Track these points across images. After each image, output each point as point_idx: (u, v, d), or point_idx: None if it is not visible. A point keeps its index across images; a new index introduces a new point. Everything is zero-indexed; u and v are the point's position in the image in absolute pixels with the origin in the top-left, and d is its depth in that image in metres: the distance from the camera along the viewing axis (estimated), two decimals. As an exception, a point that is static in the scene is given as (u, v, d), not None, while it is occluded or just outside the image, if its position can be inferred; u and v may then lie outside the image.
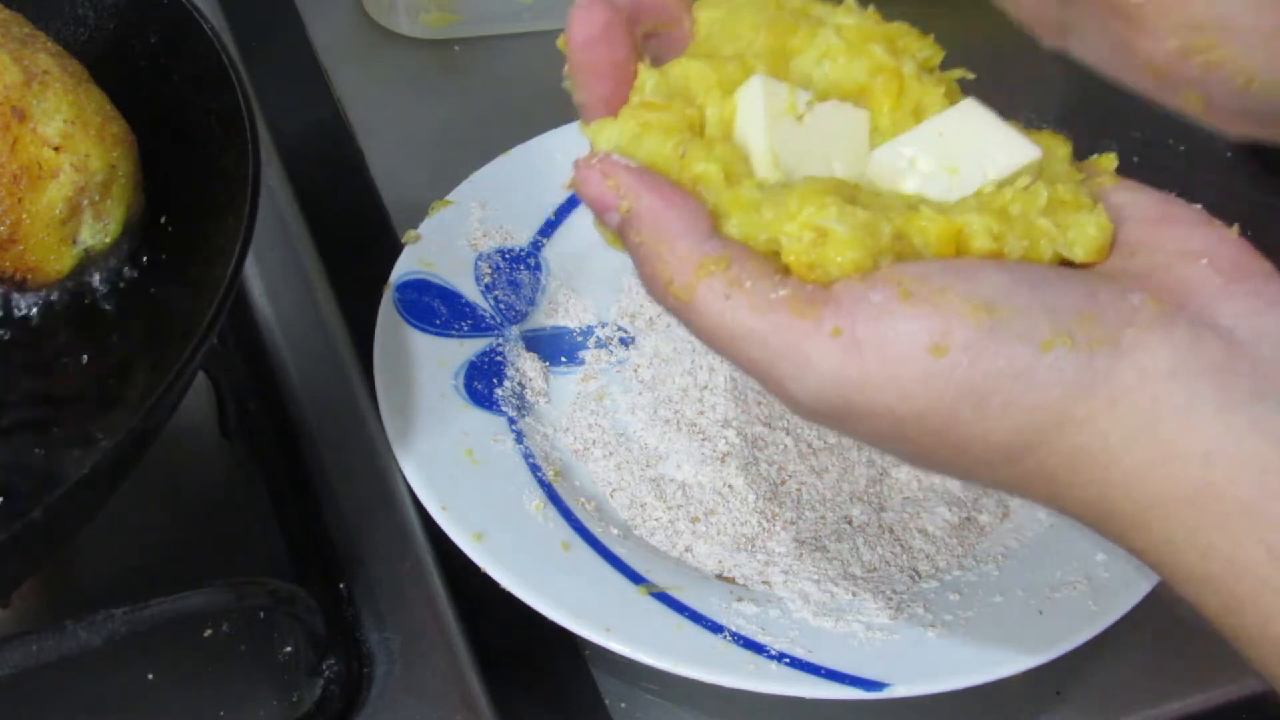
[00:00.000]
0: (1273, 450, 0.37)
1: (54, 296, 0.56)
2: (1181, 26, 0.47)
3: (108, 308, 0.57)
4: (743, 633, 0.54)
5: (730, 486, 0.61)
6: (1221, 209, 0.43)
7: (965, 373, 0.38)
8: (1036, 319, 0.39)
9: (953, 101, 0.44)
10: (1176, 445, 0.38)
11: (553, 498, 0.59)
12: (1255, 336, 0.39)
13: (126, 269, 0.57)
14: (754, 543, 0.59)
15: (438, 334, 0.63)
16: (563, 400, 0.64)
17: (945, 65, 0.46)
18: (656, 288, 0.41)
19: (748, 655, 0.53)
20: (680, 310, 0.41)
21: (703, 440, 0.62)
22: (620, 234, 0.42)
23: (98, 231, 0.56)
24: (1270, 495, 0.37)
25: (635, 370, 0.65)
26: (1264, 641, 0.38)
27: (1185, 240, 0.41)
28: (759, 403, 0.63)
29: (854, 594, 0.57)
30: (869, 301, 0.39)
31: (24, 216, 0.54)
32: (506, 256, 0.68)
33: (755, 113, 0.42)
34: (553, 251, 0.69)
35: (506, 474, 0.59)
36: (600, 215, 0.42)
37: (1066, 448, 0.39)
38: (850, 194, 0.41)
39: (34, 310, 0.56)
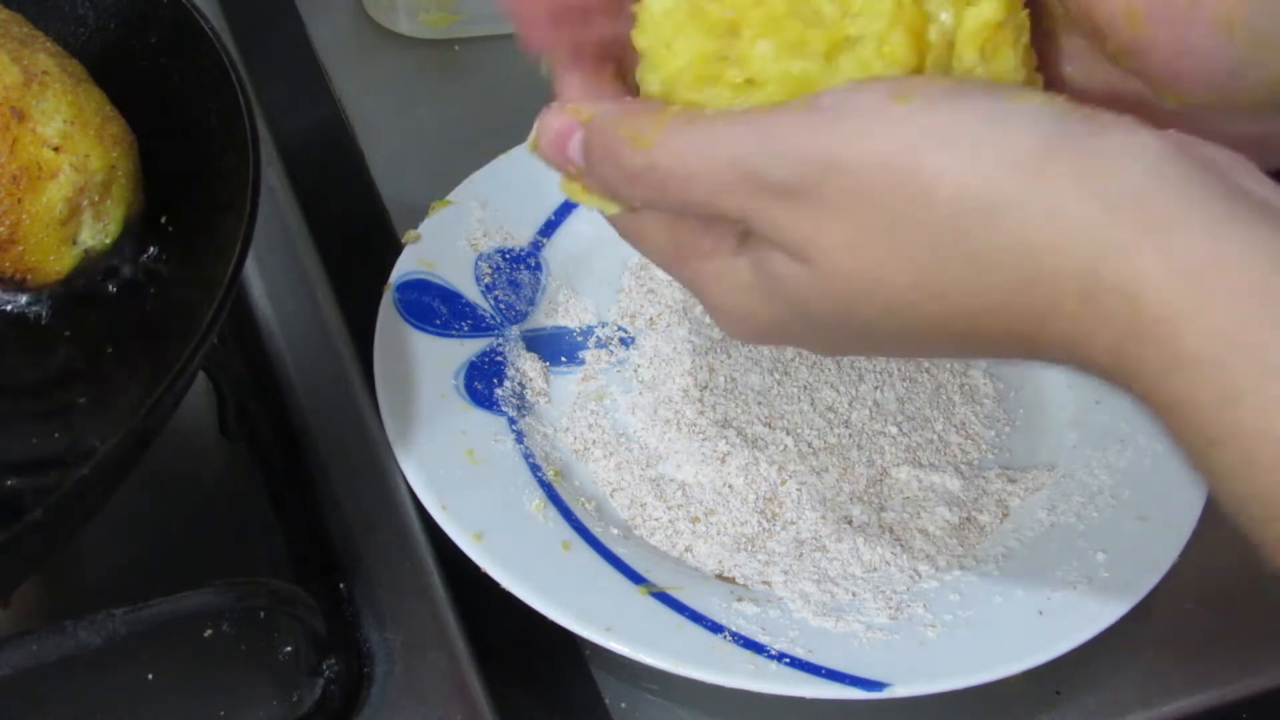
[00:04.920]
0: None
1: (54, 297, 0.56)
2: None
3: (107, 308, 0.57)
4: (743, 633, 0.54)
5: (730, 486, 0.61)
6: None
7: (931, 116, 0.36)
8: (1004, 88, 0.38)
9: None
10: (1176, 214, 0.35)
11: (553, 498, 0.59)
12: (1228, 163, 0.37)
13: (126, 269, 0.57)
14: (754, 543, 0.59)
15: (438, 334, 0.63)
16: (563, 400, 0.64)
17: None
18: (623, 155, 0.40)
19: (748, 655, 0.53)
20: (643, 168, 0.40)
21: (703, 440, 0.62)
22: (588, 145, 0.42)
23: (98, 231, 0.56)
24: None
25: (635, 370, 0.65)
26: (1262, 440, 0.34)
27: None
28: (759, 403, 0.63)
29: (854, 594, 0.57)
30: (839, 83, 0.39)
31: (24, 217, 0.54)
32: (507, 256, 0.68)
33: None
34: (553, 251, 0.69)
35: (506, 474, 0.59)
36: (566, 143, 0.43)
37: (1044, 209, 0.36)
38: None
39: (34, 311, 0.56)
